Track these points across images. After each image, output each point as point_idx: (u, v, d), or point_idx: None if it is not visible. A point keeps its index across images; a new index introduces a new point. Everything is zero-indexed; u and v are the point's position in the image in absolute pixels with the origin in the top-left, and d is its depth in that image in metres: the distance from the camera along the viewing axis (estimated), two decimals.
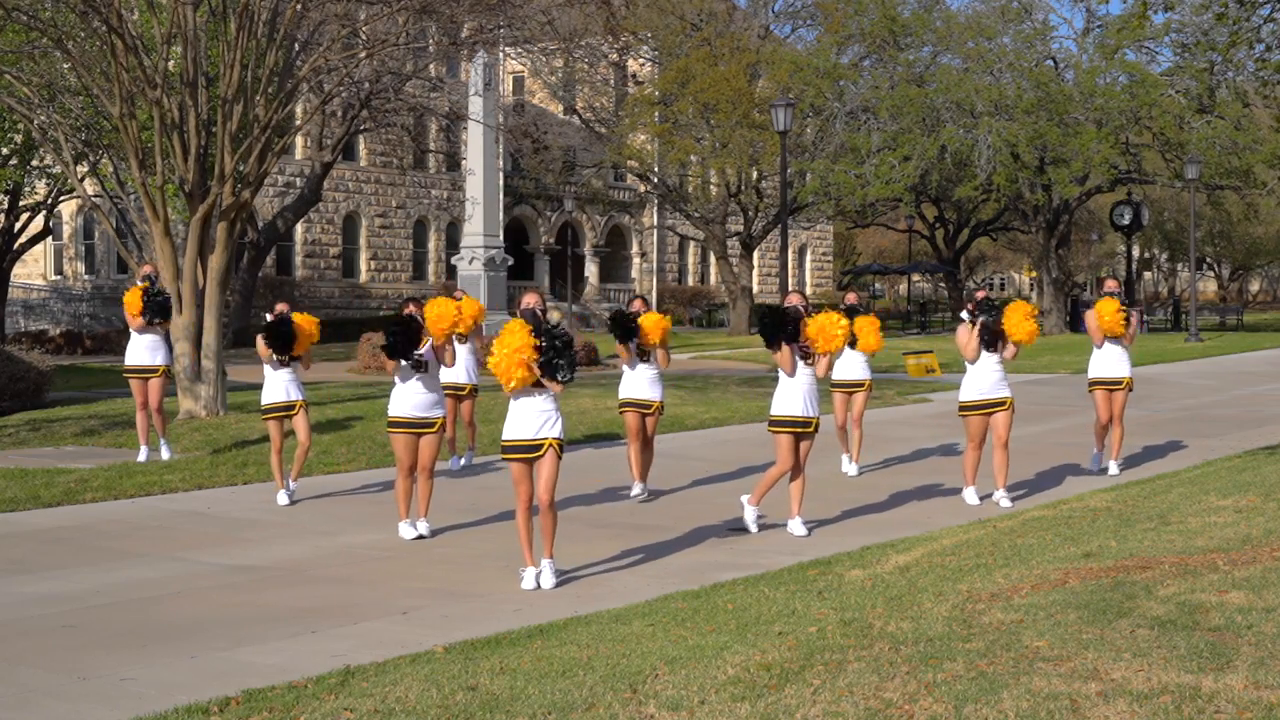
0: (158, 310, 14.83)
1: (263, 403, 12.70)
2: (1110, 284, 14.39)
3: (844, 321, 10.60)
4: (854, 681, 6.10)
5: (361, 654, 7.17)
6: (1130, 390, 14.05)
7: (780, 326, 10.49)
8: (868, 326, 13.74)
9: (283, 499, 12.46)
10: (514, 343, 8.72)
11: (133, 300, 14.78)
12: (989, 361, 12.17)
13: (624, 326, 12.25)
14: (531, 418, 8.97)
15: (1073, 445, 15.84)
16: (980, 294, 12.74)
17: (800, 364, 10.64)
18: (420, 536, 10.77)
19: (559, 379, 8.85)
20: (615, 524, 11.31)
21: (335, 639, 7.65)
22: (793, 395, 10.69)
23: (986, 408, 12.16)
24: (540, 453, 8.97)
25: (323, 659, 7.10)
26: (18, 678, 6.91)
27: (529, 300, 9.18)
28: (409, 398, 10.78)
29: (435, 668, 6.76)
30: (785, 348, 10.57)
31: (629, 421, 12.58)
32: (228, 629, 7.93)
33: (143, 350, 14.80)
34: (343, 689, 6.43)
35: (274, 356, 12.47)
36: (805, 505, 11.47)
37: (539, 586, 8.95)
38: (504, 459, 9.23)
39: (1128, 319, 13.88)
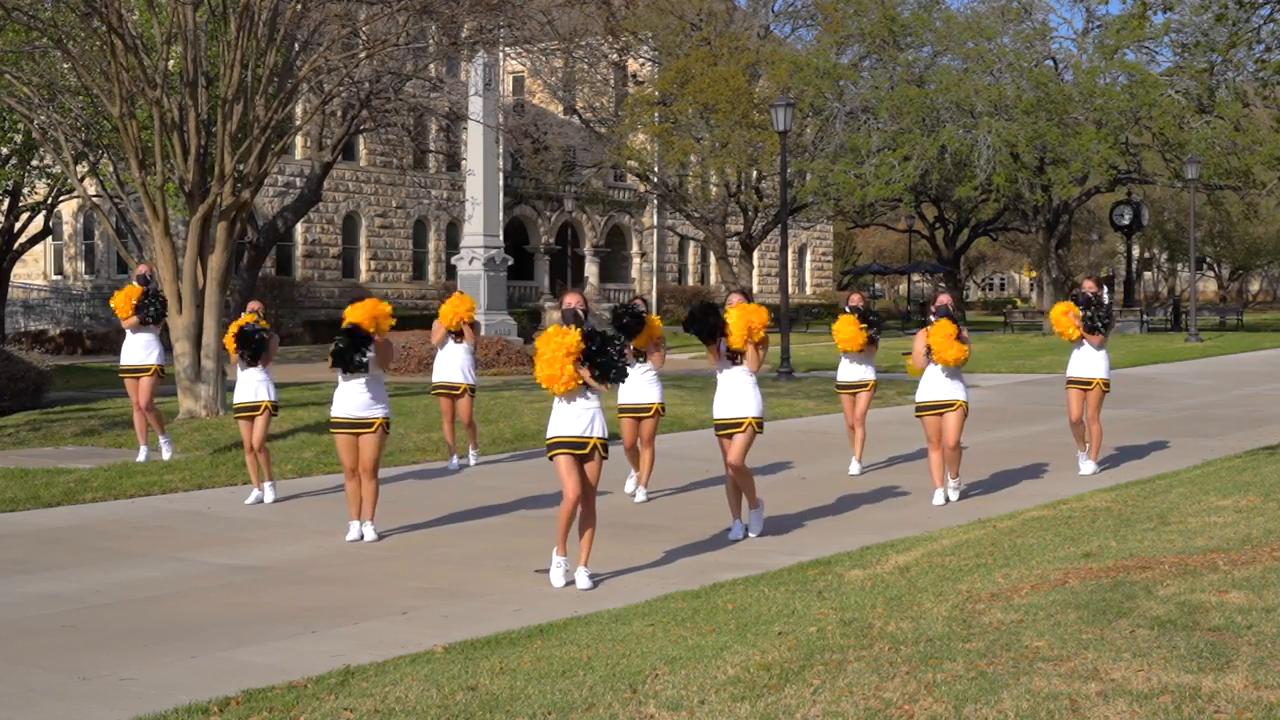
0: (157, 313, 14.89)
1: (234, 402, 12.70)
2: (1089, 285, 14.37)
3: (760, 316, 10.40)
4: (854, 681, 6.10)
5: (361, 654, 7.17)
6: (1106, 391, 14.13)
7: (701, 324, 10.44)
8: (849, 329, 14.07)
9: (252, 498, 12.44)
10: (556, 349, 8.75)
11: (121, 302, 14.77)
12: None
13: (624, 325, 12.18)
14: (577, 415, 8.98)
15: (1071, 445, 15.82)
16: (944, 298, 12.79)
17: (729, 363, 10.57)
18: (360, 538, 10.66)
19: (609, 379, 8.97)
20: (615, 524, 11.31)
21: (335, 639, 7.65)
22: (721, 397, 10.65)
23: (937, 408, 12.33)
24: (586, 450, 8.98)
25: (323, 659, 7.10)
26: (18, 678, 6.91)
27: (570, 300, 9.16)
28: (349, 397, 10.64)
29: (435, 668, 6.76)
30: (712, 344, 10.58)
31: (625, 427, 12.54)
32: (228, 629, 7.93)
33: (137, 349, 14.84)
34: (343, 689, 6.43)
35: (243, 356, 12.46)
36: (804, 504, 11.49)
37: (570, 584, 8.96)
38: (550, 455, 9.12)
39: (1097, 322, 14.03)
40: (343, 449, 10.68)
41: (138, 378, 14.81)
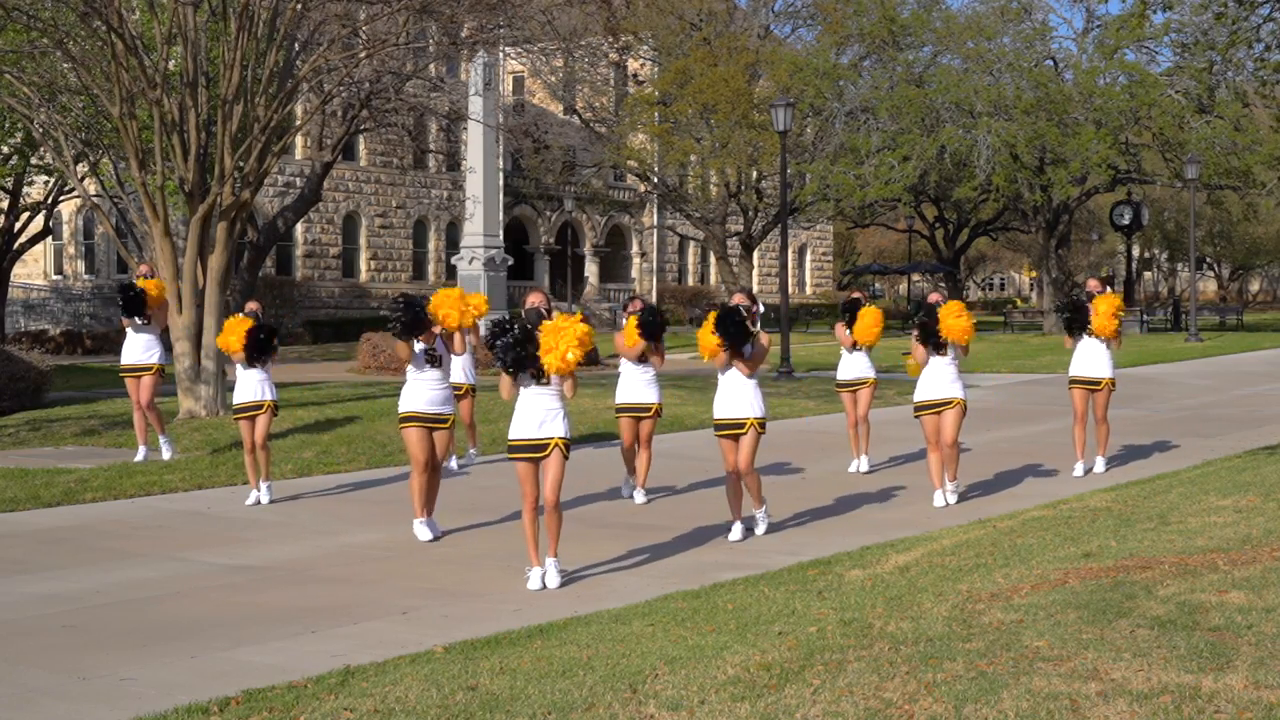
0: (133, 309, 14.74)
1: (234, 402, 12.70)
2: (1092, 284, 14.32)
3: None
4: (854, 681, 6.10)
5: (361, 654, 7.16)
6: (1113, 389, 14.05)
7: (725, 328, 10.38)
8: (870, 319, 14.10)
9: (252, 499, 12.43)
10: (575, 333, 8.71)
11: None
12: (939, 363, 12.26)
13: (651, 326, 12.13)
14: (535, 415, 8.93)
15: (1071, 445, 15.82)
16: (934, 296, 12.75)
17: (731, 364, 10.49)
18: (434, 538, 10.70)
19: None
20: (615, 524, 11.31)
21: (335, 639, 7.65)
22: (723, 397, 10.58)
23: (935, 407, 12.23)
24: (545, 452, 8.91)
25: (323, 659, 7.10)
26: (18, 678, 6.92)
27: (533, 300, 9.15)
28: (422, 393, 10.72)
29: (435, 668, 6.76)
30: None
31: (623, 427, 12.52)
32: (228, 629, 7.93)
33: (137, 349, 14.85)
34: (343, 689, 6.43)
35: (243, 356, 12.45)
36: (804, 504, 11.44)
37: (544, 587, 8.92)
38: (510, 458, 9.19)
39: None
40: (416, 444, 10.66)
41: (138, 377, 14.81)
